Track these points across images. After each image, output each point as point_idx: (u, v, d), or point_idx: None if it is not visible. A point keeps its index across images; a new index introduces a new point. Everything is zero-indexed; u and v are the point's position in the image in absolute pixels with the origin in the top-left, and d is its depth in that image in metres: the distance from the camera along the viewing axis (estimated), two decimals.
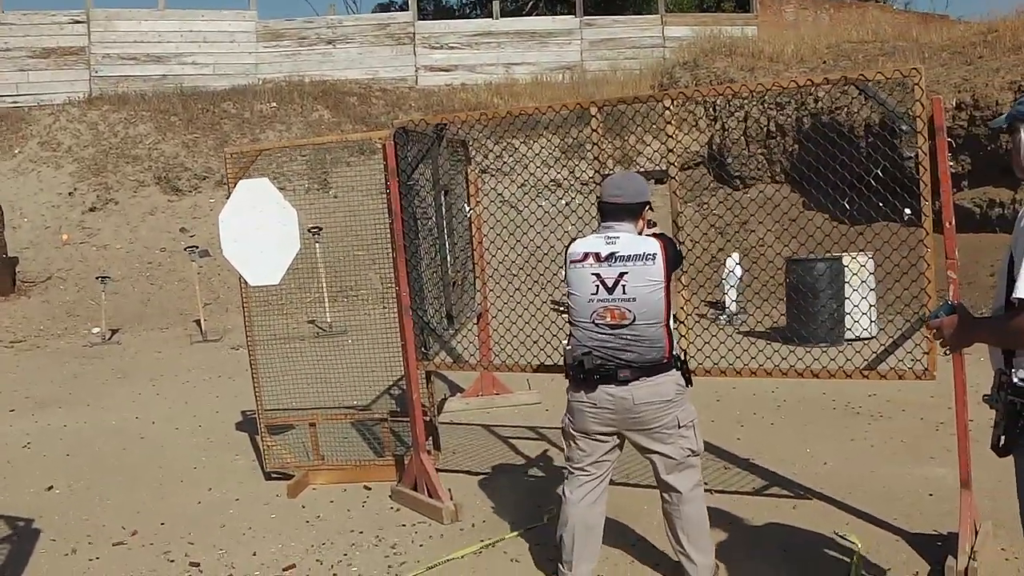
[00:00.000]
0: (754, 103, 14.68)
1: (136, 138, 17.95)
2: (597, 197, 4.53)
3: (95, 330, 14.07)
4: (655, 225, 4.94)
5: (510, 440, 7.47)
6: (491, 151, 14.77)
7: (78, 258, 15.87)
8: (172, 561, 5.47)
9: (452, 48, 21.25)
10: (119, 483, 6.98)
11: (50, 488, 6.94)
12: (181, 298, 14.98)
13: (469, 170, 7.90)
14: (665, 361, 4.33)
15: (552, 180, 15.13)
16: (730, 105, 15.05)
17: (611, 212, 4.41)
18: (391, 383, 8.26)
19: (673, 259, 4.36)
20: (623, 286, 4.26)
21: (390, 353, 6.80)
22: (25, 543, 5.83)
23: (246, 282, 6.56)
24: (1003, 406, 3.10)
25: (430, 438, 6.54)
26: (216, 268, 14.99)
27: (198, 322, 13.87)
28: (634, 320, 4.25)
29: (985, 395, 3.24)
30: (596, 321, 4.31)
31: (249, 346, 6.83)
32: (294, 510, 6.19)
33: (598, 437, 4.45)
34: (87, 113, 18.36)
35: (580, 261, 4.37)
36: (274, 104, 19.08)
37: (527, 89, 19.08)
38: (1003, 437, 3.12)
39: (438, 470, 6.57)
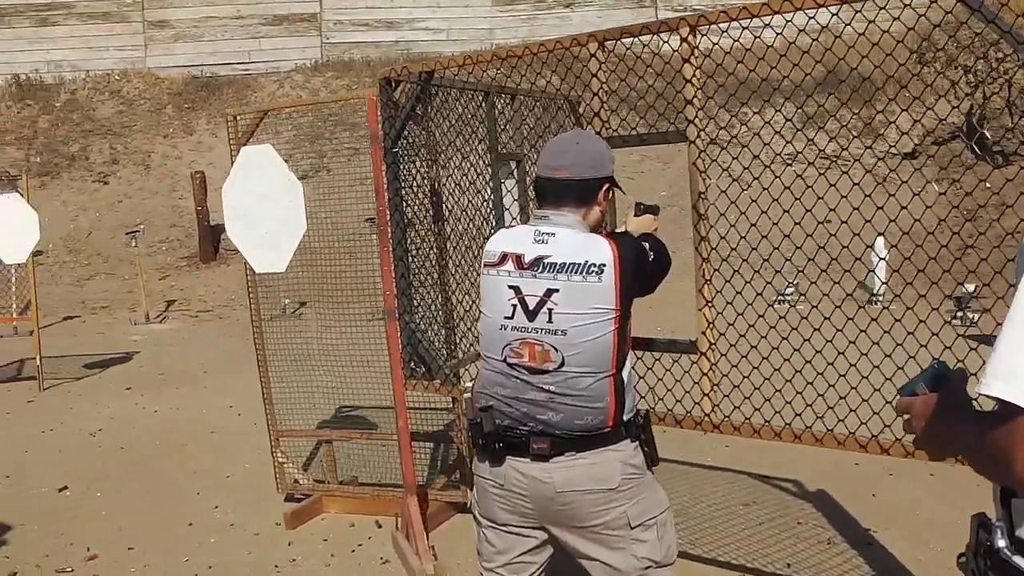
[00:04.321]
0: (1018, 69, 12.23)
1: (356, 104, 17.44)
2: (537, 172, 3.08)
3: (285, 301, 13.58)
4: (648, 211, 3.43)
5: None
6: (712, 119, 13.11)
7: None
8: None
9: (696, 9, 19.50)
10: (139, 489, 6.16)
11: (63, 489, 6.20)
12: (377, 271, 14.28)
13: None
14: (607, 430, 2.80)
15: (788, 153, 13.34)
16: (993, 71, 12.66)
17: (549, 193, 2.90)
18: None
19: (634, 276, 2.78)
20: (549, 311, 2.75)
21: None
22: None
23: (251, 269, 5.51)
24: None
25: (457, 471, 5.30)
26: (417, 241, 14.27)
27: None
28: (562, 364, 2.74)
29: (960, 556, 1.73)
30: (509, 359, 2.82)
31: (256, 343, 5.80)
32: (276, 548, 5.11)
33: (512, 529, 2.93)
34: (310, 80, 18.08)
35: (495, 265, 2.89)
36: (502, 71, 18.10)
37: (770, 54, 17.06)
38: None
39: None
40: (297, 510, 5.44)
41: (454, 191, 5.09)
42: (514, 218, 5.64)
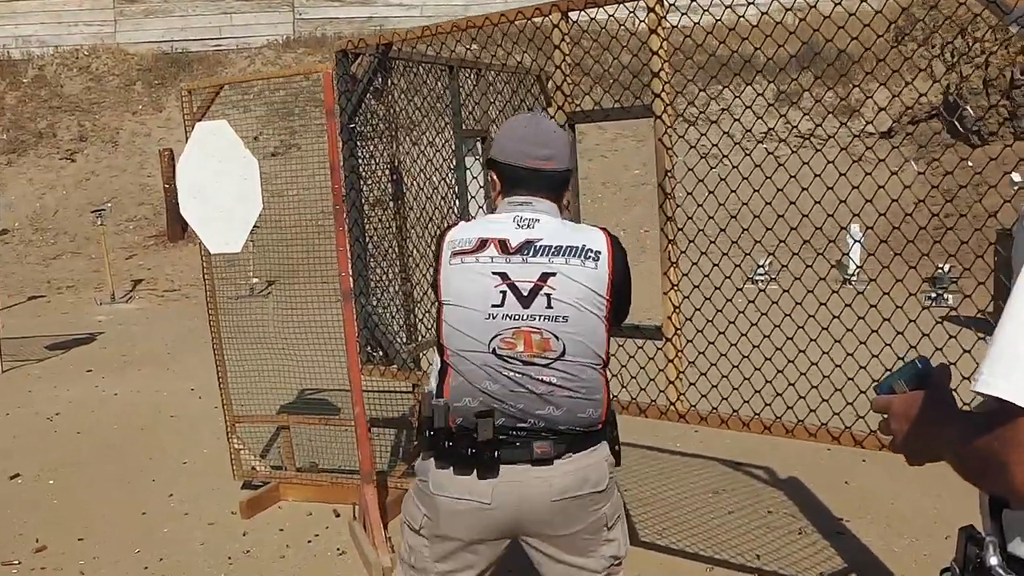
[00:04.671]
0: (997, 47, 12.09)
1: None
2: (487, 157, 2.83)
3: (254, 280, 13.35)
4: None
5: None
6: (680, 93, 13.01)
7: None
8: None
9: None
10: (93, 476, 5.96)
11: (15, 477, 5.99)
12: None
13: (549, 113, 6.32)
14: (599, 427, 2.62)
15: (761, 131, 13.18)
16: (970, 50, 12.51)
17: (531, 183, 2.65)
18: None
19: (623, 273, 2.60)
20: (547, 295, 2.51)
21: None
22: None
23: (206, 249, 5.32)
24: None
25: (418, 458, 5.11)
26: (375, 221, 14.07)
27: None
28: (563, 353, 2.51)
29: (944, 571, 1.59)
30: (499, 351, 2.52)
31: (212, 325, 5.60)
32: (230, 538, 4.93)
33: (479, 548, 2.63)
34: (282, 56, 17.80)
35: (472, 252, 2.58)
36: (475, 46, 17.85)
37: (743, 26, 16.88)
38: None
39: None
40: (253, 498, 5.26)
41: (412, 169, 4.90)
42: (472, 196, 5.46)
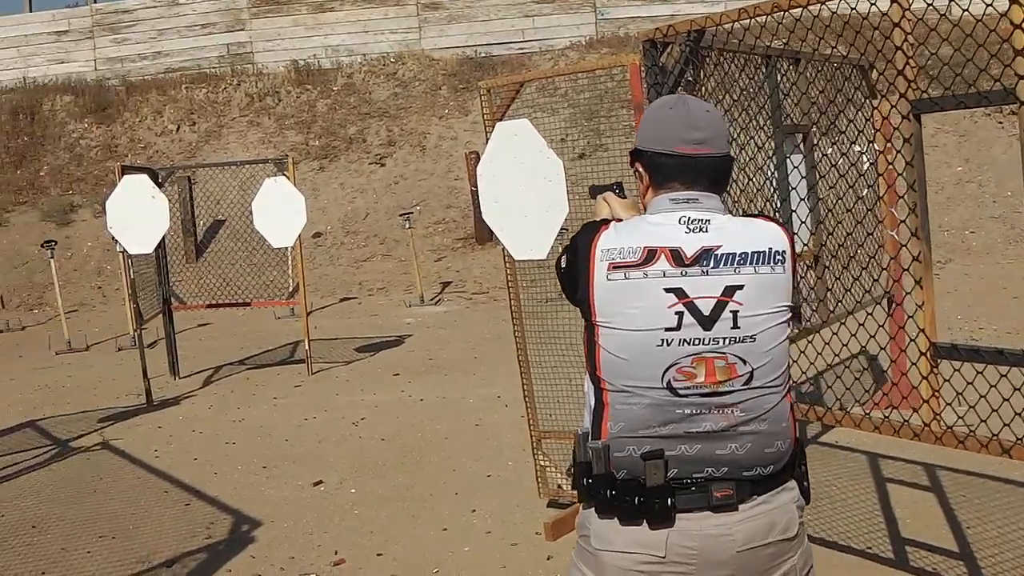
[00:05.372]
0: None
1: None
2: (633, 146, 2.28)
3: None
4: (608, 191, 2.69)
5: (907, 486, 5.26)
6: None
7: None
8: None
9: None
10: (397, 487, 5.88)
11: (318, 483, 6.00)
12: None
13: (873, 106, 5.74)
14: (786, 463, 2.19)
15: None
16: None
17: (682, 172, 2.22)
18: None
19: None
20: (733, 313, 2.12)
21: None
22: (214, 559, 4.91)
23: (511, 256, 5.07)
24: None
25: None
26: None
27: None
28: (750, 379, 2.12)
29: None
30: (674, 383, 2.12)
31: (516, 336, 5.35)
32: (534, 562, 4.66)
33: None
34: (585, 56, 17.65)
35: (639, 265, 2.13)
36: (787, 42, 17.09)
37: None
38: None
39: None
40: (559, 519, 4.93)
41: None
42: (802, 199, 4.96)
